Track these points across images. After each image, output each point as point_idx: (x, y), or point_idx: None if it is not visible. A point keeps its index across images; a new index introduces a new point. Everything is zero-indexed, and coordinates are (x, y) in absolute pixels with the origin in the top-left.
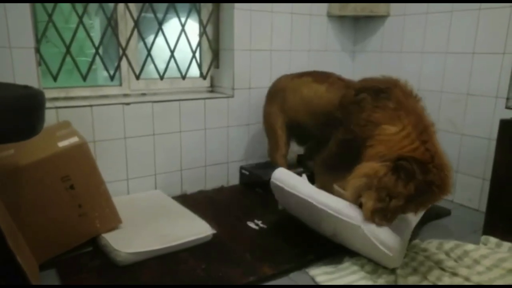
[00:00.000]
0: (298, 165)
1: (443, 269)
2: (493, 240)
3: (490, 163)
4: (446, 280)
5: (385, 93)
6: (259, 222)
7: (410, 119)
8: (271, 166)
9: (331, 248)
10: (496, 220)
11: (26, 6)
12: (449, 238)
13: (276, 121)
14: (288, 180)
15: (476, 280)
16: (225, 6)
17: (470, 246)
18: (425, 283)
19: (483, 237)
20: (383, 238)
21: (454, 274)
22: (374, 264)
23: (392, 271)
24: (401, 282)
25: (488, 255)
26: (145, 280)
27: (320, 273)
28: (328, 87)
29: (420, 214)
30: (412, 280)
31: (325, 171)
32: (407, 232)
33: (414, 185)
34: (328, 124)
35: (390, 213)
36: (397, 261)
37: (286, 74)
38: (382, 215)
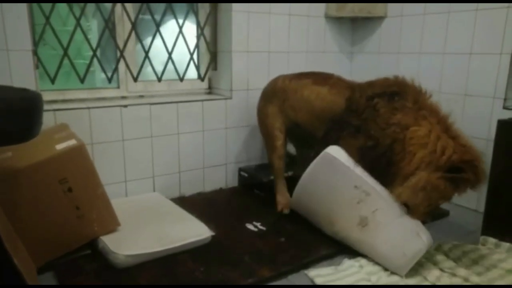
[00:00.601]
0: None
1: (442, 270)
2: (491, 240)
3: (488, 163)
4: (446, 281)
5: (398, 95)
6: (258, 224)
7: (433, 117)
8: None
9: (330, 249)
10: (494, 220)
11: (24, 8)
12: (448, 239)
13: (274, 122)
14: (345, 157)
15: (475, 280)
16: (222, 7)
17: (469, 247)
18: (424, 283)
19: (482, 238)
20: (421, 229)
21: (453, 274)
22: (373, 266)
23: (391, 272)
24: (400, 283)
25: (487, 256)
26: (143, 282)
27: (319, 275)
28: (330, 89)
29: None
30: (412, 281)
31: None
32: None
33: (466, 188)
34: (333, 127)
35: (437, 209)
36: (407, 266)
37: (283, 75)
38: (427, 214)
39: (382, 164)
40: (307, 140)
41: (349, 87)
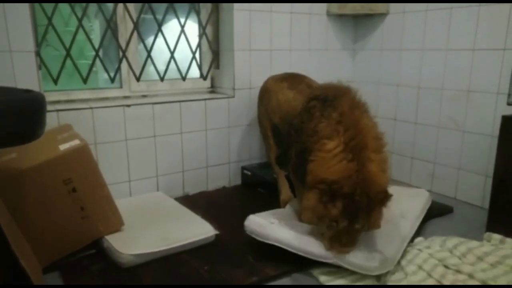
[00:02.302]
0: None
1: (447, 267)
2: (496, 236)
3: (492, 159)
4: (450, 278)
5: (331, 102)
6: None
7: (346, 135)
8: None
9: None
10: (499, 216)
11: (26, 10)
12: (452, 235)
13: (265, 122)
14: (260, 229)
15: (480, 277)
16: (224, 6)
17: (473, 243)
18: (429, 281)
19: (486, 234)
20: (358, 262)
21: (458, 271)
22: None
23: (395, 269)
24: (405, 280)
25: (492, 252)
26: (148, 281)
27: (322, 273)
28: (295, 95)
29: (417, 223)
30: (416, 278)
31: (295, 180)
32: (393, 244)
33: (341, 203)
34: (289, 132)
35: (345, 236)
36: (386, 269)
37: (273, 76)
38: (339, 241)
39: (304, 167)
40: (281, 143)
41: (309, 94)
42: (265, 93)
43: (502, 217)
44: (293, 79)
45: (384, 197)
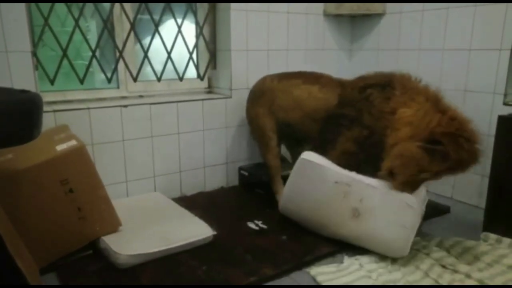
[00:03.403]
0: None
1: (444, 266)
2: (493, 236)
3: (489, 159)
4: (447, 277)
5: (389, 86)
6: (259, 222)
7: (421, 97)
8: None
9: (331, 247)
10: (495, 216)
11: (22, 10)
12: (449, 235)
13: (266, 122)
14: (319, 159)
15: (477, 276)
16: (221, 7)
17: (470, 243)
18: (426, 280)
19: (483, 234)
20: (409, 198)
21: (455, 271)
22: (374, 264)
23: (392, 269)
24: (402, 280)
25: (489, 252)
26: (145, 282)
27: (320, 273)
28: (321, 88)
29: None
30: (413, 277)
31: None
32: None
33: (447, 166)
34: (330, 122)
35: (416, 184)
36: (409, 239)
37: (270, 75)
38: (409, 185)
39: (378, 151)
40: (299, 140)
41: (339, 84)
42: (265, 93)
43: (499, 217)
44: (305, 75)
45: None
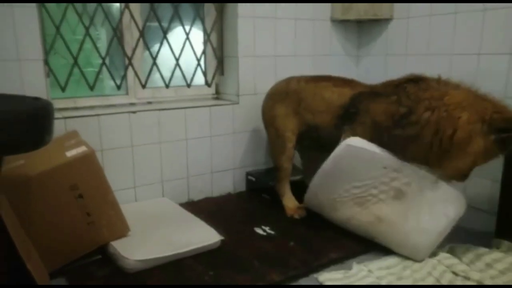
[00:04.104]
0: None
1: (455, 273)
2: (505, 243)
3: (500, 164)
4: (459, 285)
5: (421, 80)
6: (267, 228)
7: (460, 85)
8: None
9: (339, 254)
10: (508, 222)
11: (35, 19)
12: (460, 242)
13: (287, 123)
14: (365, 144)
15: (489, 284)
16: (228, 13)
17: (482, 250)
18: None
19: (495, 240)
20: (458, 192)
21: (467, 278)
22: (384, 270)
23: (402, 276)
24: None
25: (501, 259)
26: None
27: (328, 279)
28: (351, 89)
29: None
30: (425, 284)
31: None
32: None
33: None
34: (364, 95)
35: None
36: (448, 228)
37: (296, 76)
38: (466, 175)
39: (412, 132)
40: (322, 144)
41: (369, 87)
42: (290, 94)
43: (511, 223)
44: (335, 78)
45: None
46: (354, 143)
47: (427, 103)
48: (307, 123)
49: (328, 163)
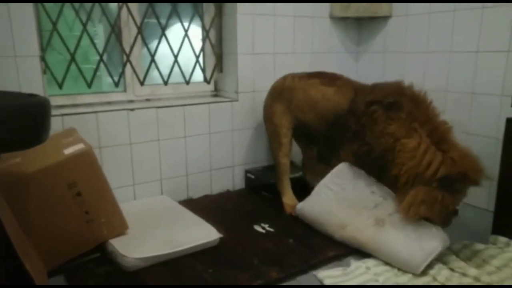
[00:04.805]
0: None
1: (452, 270)
2: (502, 239)
3: (497, 162)
4: (455, 281)
5: (395, 105)
6: (266, 226)
7: (424, 129)
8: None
9: (338, 251)
10: (505, 219)
11: (31, 15)
12: (457, 238)
13: (282, 120)
14: (356, 172)
15: (486, 280)
16: (227, 10)
17: (479, 246)
18: (434, 284)
19: (492, 237)
20: (438, 229)
21: (464, 274)
22: (380, 266)
23: (400, 272)
24: (410, 283)
25: (498, 255)
26: (152, 285)
27: (327, 276)
28: (336, 90)
29: None
30: (421, 281)
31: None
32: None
33: (465, 194)
34: (335, 131)
35: (449, 218)
36: (423, 263)
37: (292, 73)
38: (443, 222)
39: (375, 169)
40: (313, 140)
41: (354, 89)
42: (285, 91)
43: (508, 220)
44: (324, 75)
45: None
46: (341, 168)
47: (385, 141)
48: (299, 119)
49: (324, 181)
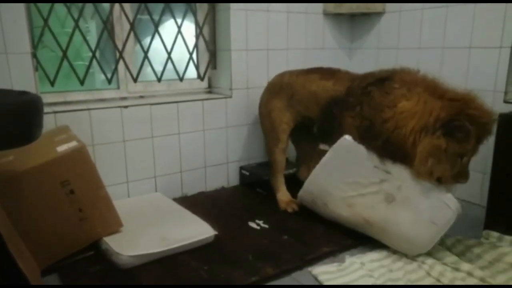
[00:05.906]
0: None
1: (445, 265)
2: (494, 234)
3: (490, 157)
4: (449, 276)
5: (388, 80)
6: (261, 222)
7: (418, 87)
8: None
9: (332, 247)
10: (497, 214)
11: (22, 11)
12: (450, 233)
13: (281, 116)
14: (356, 146)
15: (479, 274)
16: (220, 6)
17: (471, 241)
18: (427, 279)
19: (485, 232)
20: (449, 199)
21: (457, 269)
22: (376, 263)
23: (394, 268)
24: (403, 279)
25: (490, 250)
26: (147, 283)
27: (322, 272)
28: (334, 82)
29: None
30: (414, 276)
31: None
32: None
33: (474, 136)
34: (334, 109)
35: (466, 168)
36: (437, 236)
37: (289, 70)
38: (461, 175)
39: (379, 143)
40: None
41: (352, 78)
42: (284, 87)
43: (500, 215)
44: (323, 71)
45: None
46: (350, 138)
47: (384, 115)
48: (301, 114)
49: (326, 158)
